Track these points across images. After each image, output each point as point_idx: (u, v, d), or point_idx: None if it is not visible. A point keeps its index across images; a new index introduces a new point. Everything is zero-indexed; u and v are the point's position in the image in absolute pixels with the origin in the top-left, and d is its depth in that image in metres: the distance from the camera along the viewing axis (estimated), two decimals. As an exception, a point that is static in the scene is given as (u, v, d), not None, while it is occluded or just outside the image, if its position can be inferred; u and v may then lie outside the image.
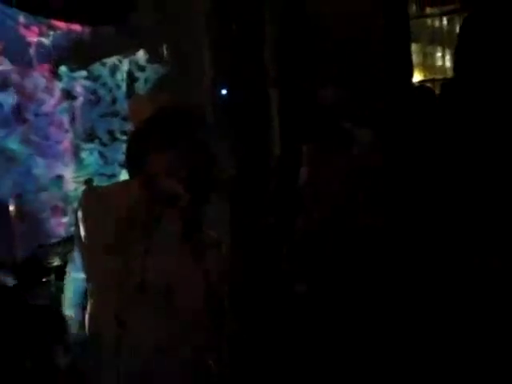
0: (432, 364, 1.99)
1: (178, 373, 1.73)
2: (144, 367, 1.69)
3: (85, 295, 1.80)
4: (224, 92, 5.04)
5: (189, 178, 1.68)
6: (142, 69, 4.24)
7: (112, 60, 4.09)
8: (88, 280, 1.76)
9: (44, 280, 3.30)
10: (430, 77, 7.21)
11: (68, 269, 1.93)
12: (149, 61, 4.29)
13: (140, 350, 1.67)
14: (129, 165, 1.79)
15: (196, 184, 1.69)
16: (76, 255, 1.81)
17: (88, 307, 1.76)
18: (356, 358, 3.06)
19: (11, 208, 3.43)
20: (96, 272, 1.71)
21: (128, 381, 1.68)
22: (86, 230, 1.72)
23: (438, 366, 1.97)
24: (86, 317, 1.76)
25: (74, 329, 1.88)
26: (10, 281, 3.07)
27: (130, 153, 1.79)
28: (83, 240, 1.74)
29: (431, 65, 7.51)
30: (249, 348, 3.21)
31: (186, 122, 1.76)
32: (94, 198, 1.81)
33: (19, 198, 3.51)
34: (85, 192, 1.93)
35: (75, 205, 1.81)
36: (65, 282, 1.94)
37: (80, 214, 1.74)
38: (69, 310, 1.91)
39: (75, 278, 1.87)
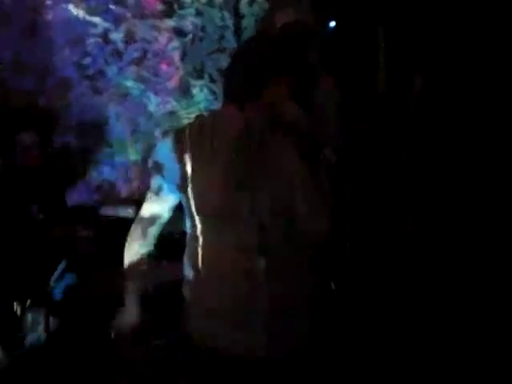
0: None
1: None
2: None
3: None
4: (331, 24, 4.95)
5: (308, 102, 1.63)
6: (248, 4, 4.22)
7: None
8: (201, 215, 1.66)
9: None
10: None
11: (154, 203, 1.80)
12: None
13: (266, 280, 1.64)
14: (246, 89, 1.65)
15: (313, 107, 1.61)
16: (166, 187, 1.70)
17: (201, 243, 1.67)
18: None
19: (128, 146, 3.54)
20: (221, 205, 1.62)
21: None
22: (199, 161, 1.63)
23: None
24: (200, 254, 1.69)
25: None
26: (131, 212, 3.21)
27: (249, 76, 1.65)
28: (194, 173, 1.64)
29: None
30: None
31: (307, 44, 1.66)
32: (198, 127, 1.67)
33: (135, 134, 3.60)
34: (192, 123, 1.76)
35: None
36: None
37: (187, 145, 1.64)
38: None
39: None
